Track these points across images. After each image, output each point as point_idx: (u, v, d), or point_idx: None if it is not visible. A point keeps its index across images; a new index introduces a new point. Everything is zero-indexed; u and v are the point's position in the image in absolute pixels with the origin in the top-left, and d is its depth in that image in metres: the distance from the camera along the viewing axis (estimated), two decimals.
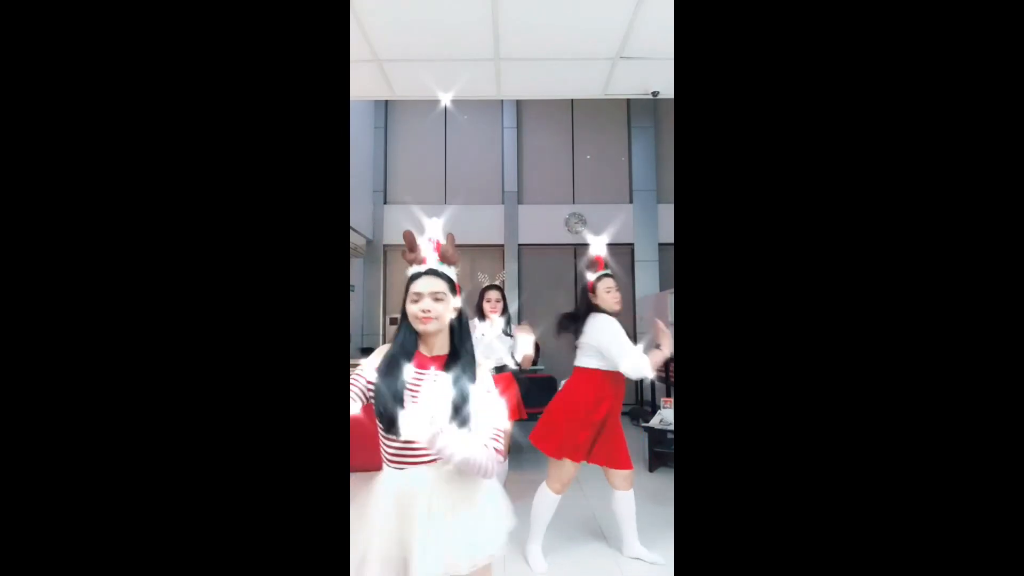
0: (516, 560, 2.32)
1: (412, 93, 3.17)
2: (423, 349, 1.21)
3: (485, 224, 6.64)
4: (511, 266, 6.59)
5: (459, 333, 1.22)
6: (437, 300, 1.18)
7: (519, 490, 3.19)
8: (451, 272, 1.23)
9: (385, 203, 6.74)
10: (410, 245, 1.24)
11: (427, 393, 1.06)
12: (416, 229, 1.27)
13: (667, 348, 2.13)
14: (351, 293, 5.95)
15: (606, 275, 2.23)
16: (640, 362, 2.06)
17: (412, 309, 1.18)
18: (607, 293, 2.20)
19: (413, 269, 1.22)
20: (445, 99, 3.10)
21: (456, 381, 1.14)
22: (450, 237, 1.26)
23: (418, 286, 1.19)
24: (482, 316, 2.85)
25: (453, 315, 1.21)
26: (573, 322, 2.27)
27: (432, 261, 1.22)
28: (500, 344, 2.81)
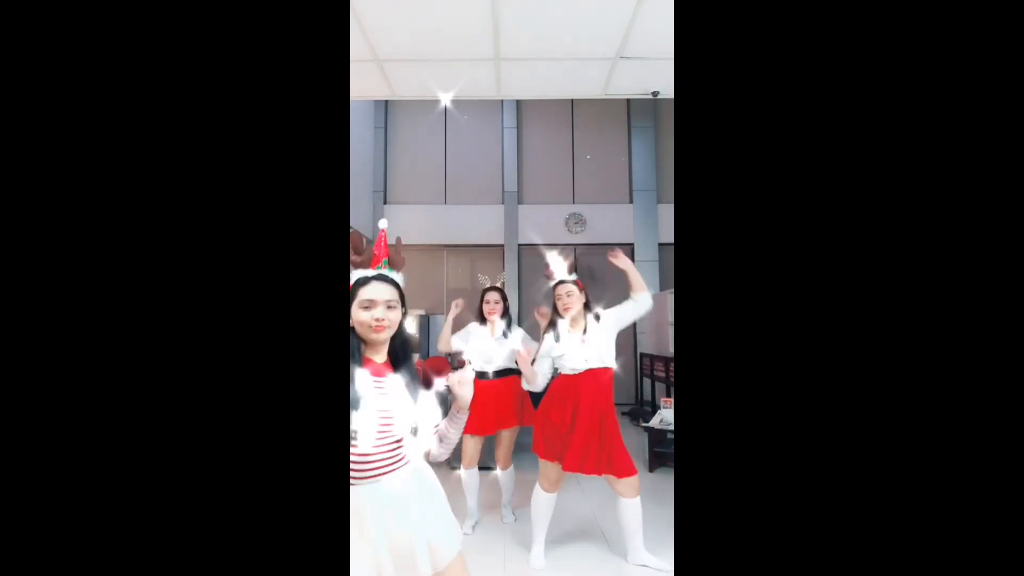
0: (516, 560, 2.32)
1: (412, 93, 3.17)
2: (374, 356, 1.19)
3: (485, 224, 6.64)
4: (511, 266, 6.59)
5: (401, 338, 1.21)
6: (390, 308, 1.16)
7: (519, 491, 3.19)
8: (399, 278, 1.22)
9: (385, 203, 6.74)
10: (356, 247, 1.20)
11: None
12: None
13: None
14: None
15: (560, 282, 2.28)
16: (535, 379, 2.28)
17: (363, 317, 1.14)
18: (558, 300, 2.27)
19: (359, 273, 1.19)
20: (445, 99, 3.10)
21: (409, 384, 1.17)
22: (398, 241, 1.24)
23: (369, 292, 1.15)
24: (482, 319, 2.81)
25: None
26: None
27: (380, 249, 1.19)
28: (500, 347, 2.77)
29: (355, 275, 1.19)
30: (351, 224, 5.31)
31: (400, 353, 1.21)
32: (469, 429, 2.63)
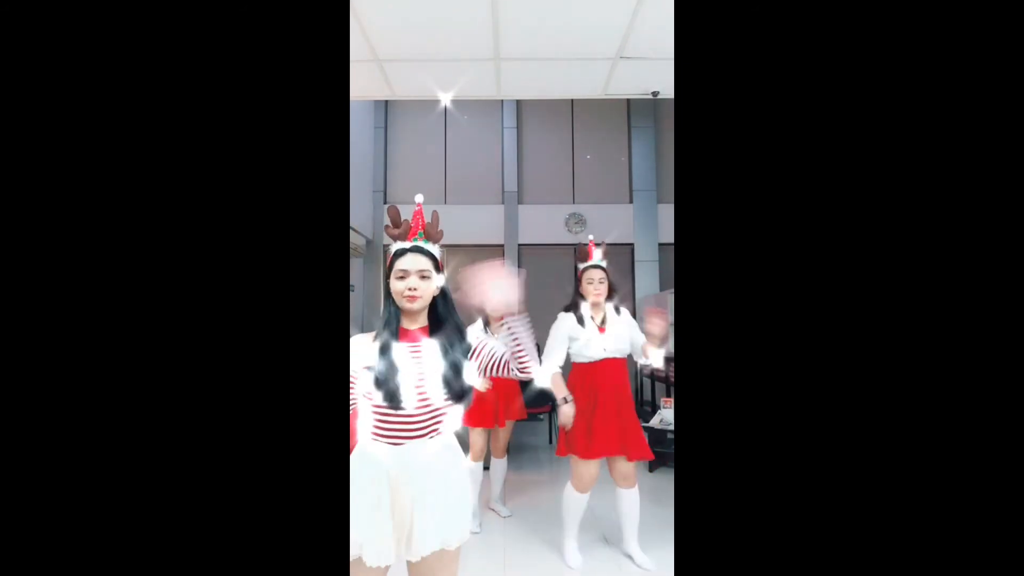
0: (516, 560, 2.32)
1: (412, 93, 3.17)
2: (407, 323, 1.23)
3: (485, 224, 6.63)
4: (511, 266, 6.59)
5: (443, 307, 1.24)
6: (423, 278, 1.19)
7: (519, 490, 3.19)
8: (435, 249, 1.25)
9: (385, 203, 6.73)
10: (394, 220, 1.25)
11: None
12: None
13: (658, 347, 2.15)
14: (351, 293, 5.95)
15: (592, 266, 2.25)
16: (541, 371, 2.23)
17: (398, 287, 1.19)
18: (588, 284, 2.23)
19: (397, 245, 1.23)
20: (445, 99, 3.10)
21: (445, 350, 1.19)
22: (435, 215, 1.27)
23: (404, 263, 1.20)
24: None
25: (436, 292, 1.23)
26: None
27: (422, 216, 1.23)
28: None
29: (394, 247, 1.24)
30: (351, 224, 5.30)
31: (442, 319, 1.24)
32: (477, 423, 2.67)
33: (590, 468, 2.20)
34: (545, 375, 2.19)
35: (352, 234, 5.52)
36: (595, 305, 2.24)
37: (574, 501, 2.27)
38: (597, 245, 2.28)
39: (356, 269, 6.30)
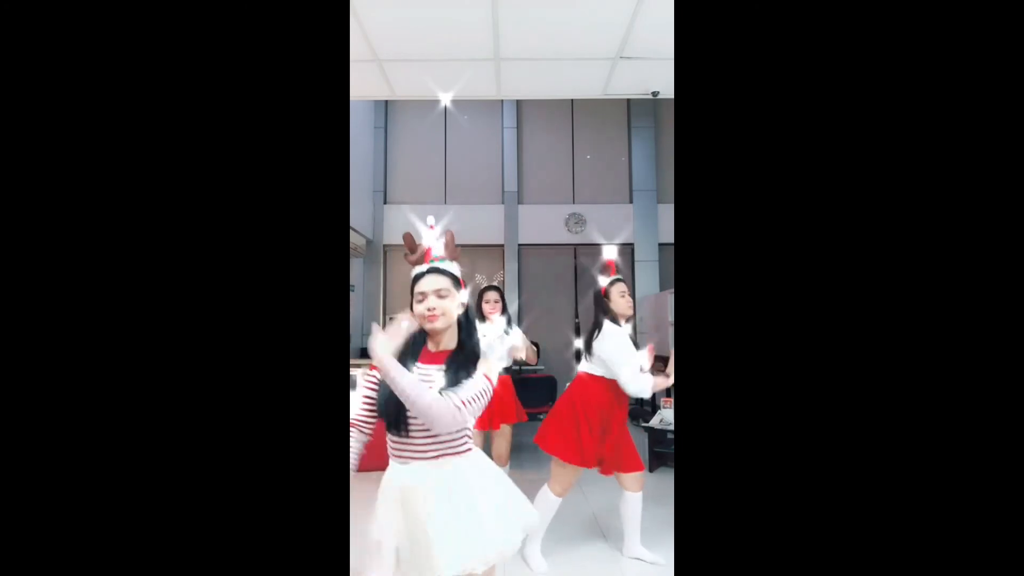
0: (516, 561, 2.32)
1: (412, 93, 3.18)
2: (430, 346, 1.23)
3: (485, 224, 6.63)
4: (511, 266, 6.59)
5: (466, 328, 1.25)
6: (441, 297, 1.19)
7: (519, 490, 3.17)
8: (453, 268, 1.25)
9: (385, 203, 6.73)
10: (410, 246, 1.26)
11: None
12: (415, 232, 1.29)
13: (670, 375, 2.12)
14: (351, 293, 5.95)
15: (619, 279, 2.25)
16: (639, 382, 2.11)
17: (418, 310, 1.20)
18: (621, 298, 2.22)
19: (416, 269, 1.24)
20: (445, 99, 3.11)
21: (454, 375, 1.17)
22: (449, 234, 1.28)
23: (421, 285, 1.21)
24: (481, 317, 2.84)
25: (460, 311, 1.23)
26: (593, 328, 2.25)
27: (436, 246, 1.24)
28: (500, 345, 2.82)
29: (413, 272, 1.25)
30: (351, 224, 5.31)
31: (463, 341, 1.23)
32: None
33: (572, 474, 2.20)
34: (645, 385, 2.12)
35: (352, 234, 5.52)
36: (629, 319, 2.23)
37: (549, 504, 2.23)
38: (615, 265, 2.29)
39: (356, 269, 6.30)
